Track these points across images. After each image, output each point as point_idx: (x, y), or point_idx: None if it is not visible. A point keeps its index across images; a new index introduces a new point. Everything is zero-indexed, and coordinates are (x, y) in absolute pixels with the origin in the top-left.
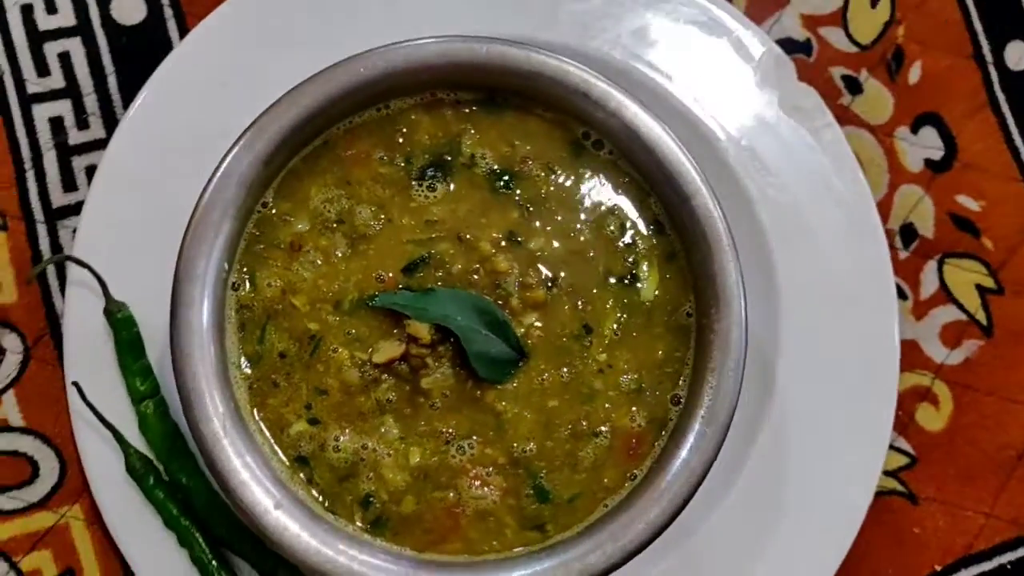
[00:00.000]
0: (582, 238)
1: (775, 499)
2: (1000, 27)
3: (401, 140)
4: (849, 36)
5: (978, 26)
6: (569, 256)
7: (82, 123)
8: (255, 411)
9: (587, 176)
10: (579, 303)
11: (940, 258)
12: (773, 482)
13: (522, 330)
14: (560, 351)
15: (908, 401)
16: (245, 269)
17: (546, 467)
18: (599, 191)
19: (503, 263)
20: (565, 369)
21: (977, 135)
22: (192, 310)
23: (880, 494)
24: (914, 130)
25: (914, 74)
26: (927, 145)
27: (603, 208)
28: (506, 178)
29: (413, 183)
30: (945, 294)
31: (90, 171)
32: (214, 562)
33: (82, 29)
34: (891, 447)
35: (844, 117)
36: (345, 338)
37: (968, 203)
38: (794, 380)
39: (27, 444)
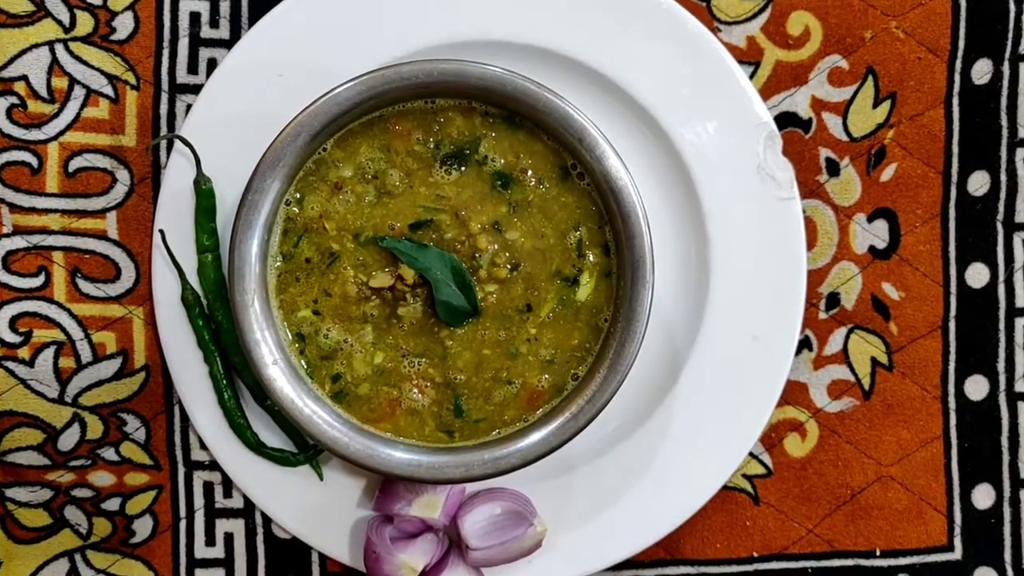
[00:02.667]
0: (547, 241)
1: (646, 463)
2: (973, 154)
3: (436, 128)
4: (845, 126)
5: (955, 148)
6: (534, 252)
7: (214, 23)
8: (277, 293)
9: (565, 196)
10: (529, 288)
11: (851, 327)
12: (649, 452)
13: (481, 295)
14: (504, 318)
15: (782, 428)
16: (298, 192)
17: (467, 394)
18: (571, 209)
19: (483, 242)
20: (503, 332)
21: (921, 238)
22: (254, 212)
23: (731, 488)
24: (870, 219)
25: (888, 172)
26: (876, 234)
27: (569, 223)
28: (505, 180)
29: (436, 164)
30: (844, 356)
31: (211, 63)
32: (224, 380)
33: None
34: (754, 456)
35: (816, 192)
36: (355, 262)
37: (891, 291)
38: (693, 382)
39: (116, 253)
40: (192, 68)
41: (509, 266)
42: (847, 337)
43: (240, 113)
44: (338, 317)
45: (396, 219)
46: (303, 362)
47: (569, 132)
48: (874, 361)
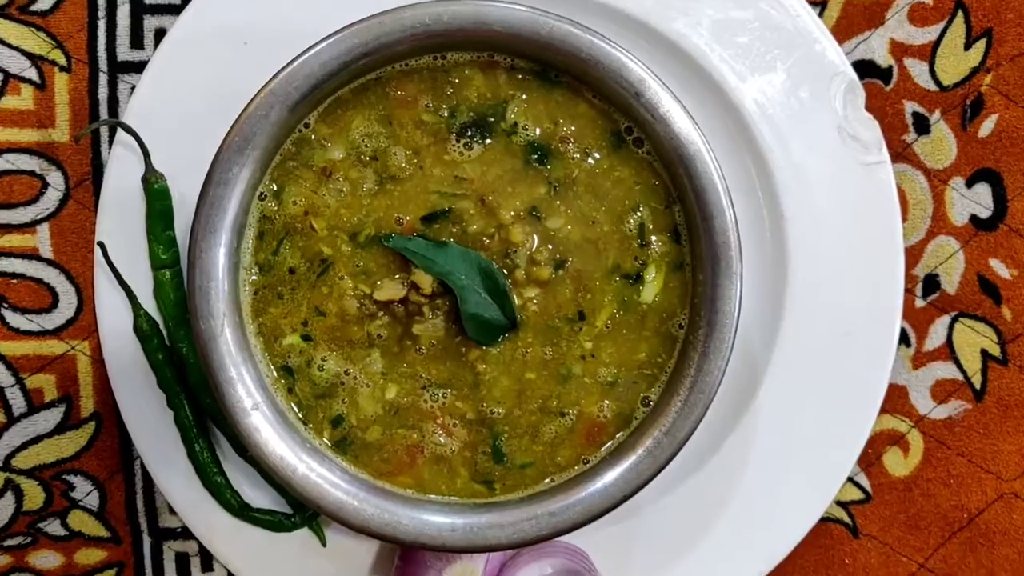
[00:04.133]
0: (600, 228)
1: (724, 498)
2: None
3: (450, 92)
4: (933, 73)
5: None
6: (583, 243)
7: None
8: (255, 316)
9: (620, 169)
10: (580, 290)
11: (955, 315)
12: (726, 484)
13: (520, 302)
14: (550, 330)
15: (880, 442)
16: (275, 183)
17: (508, 432)
18: (628, 186)
19: (518, 234)
20: (550, 348)
21: None
22: (218, 211)
23: (826, 519)
24: (969, 184)
25: (987, 127)
26: (977, 201)
27: (627, 203)
28: (541, 153)
29: (452, 136)
30: (948, 351)
31: (159, 34)
32: (195, 428)
33: None
34: (850, 480)
35: (903, 154)
36: (353, 269)
37: (1000, 269)
38: (775, 394)
39: (52, 276)
40: (136, 42)
41: (553, 263)
42: (951, 327)
43: (197, 93)
44: (335, 342)
45: (404, 211)
46: (293, 404)
47: (623, 86)
48: (985, 354)
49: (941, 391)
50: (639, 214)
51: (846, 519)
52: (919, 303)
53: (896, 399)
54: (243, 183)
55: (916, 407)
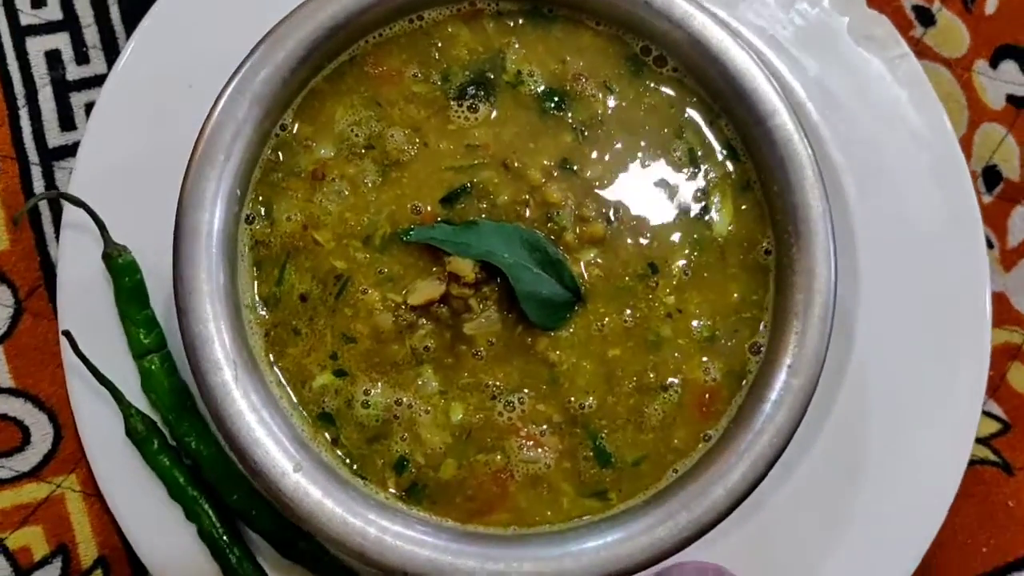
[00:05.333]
0: (645, 166)
1: (853, 470)
2: None
3: (437, 56)
4: None
5: None
6: (631, 186)
7: (81, 57)
8: (273, 361)
9: (649, 96)
10: (643, 239)
11: None
12: (851, 450)
13: (578, 269)
14: (622, 293)
15: (998, 361)
16: (261, 200)
17: (607, 426)
18: (663, 113)
19: (555, 194)
20: (628, 313)
21: None
22: (198, 241)
23: (970, 463)
24: (993, 64)
25: (991, 3)
26: (1009, 80)
27: (668, 132)
28: (557, 98)
29: (452, 103)
30: None
31: (90, 108)
32: (225, 537)
33: None
34: (982, 412)
35: (916, 51)
36: (376, 278)
37: None
38: (874, 336)
39: (17, 407)
40: (65, 123)
41: (604, 216)
42: None
43: (146, 149)
44: (376, 369)
45: (418, 198)
46: (342, 454)
47: (628, 1)
48: None
49: None
50: (684, 139)
51: (992, 457)
52: (986, 199)
53: (998, 308)
54: (223, 203)
55: (1020, 309)
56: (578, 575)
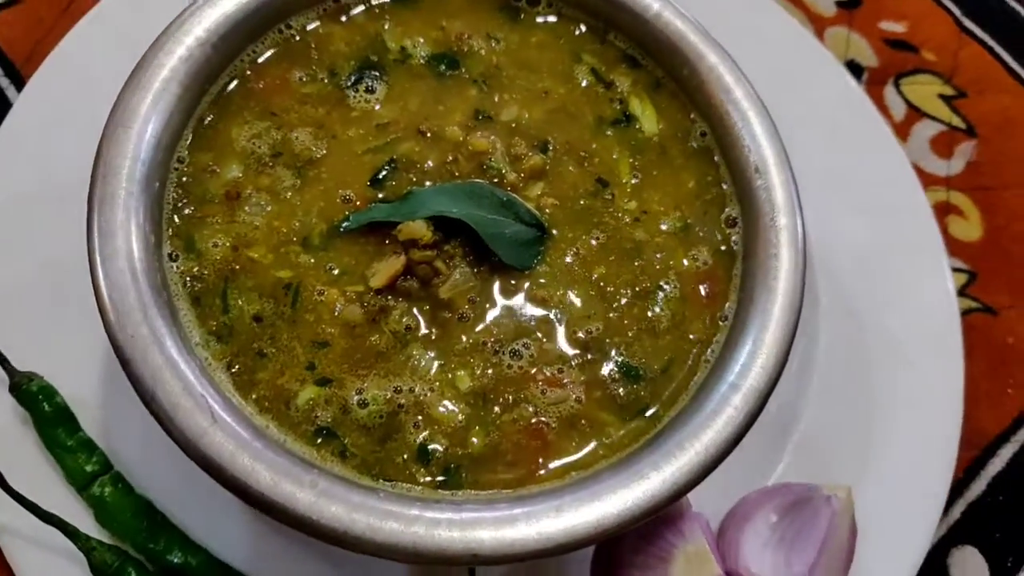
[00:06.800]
0: (558, 95)
1: (860, 362)
2: None
3: (316, 56)
4: None
5: None
6: (551, 116)
7: None
8: (245, 394)
9: (535, 35)
10: (583, 160)
11: (894, 80)
12: (847, 346)
13: (534, 205)
14: (583, 214)
15: (938, 220)
16: (179, 236)
17: (621, 342)
18: (554, 45)
19: (481, 142)
20: (598, 231)
21: None
22: (124, 293)
23: (962, 315)
24: None
25: None
26: None
27: (567, 60)
28: (447, 61)
29: (347, 92)
30: (915, 111)
31: None
32: None
33: None
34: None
35: None
36: (328, 276)
37: (893, 27)
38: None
39: None
40: None
41: (537, 149)
42: (899, 92)
43: (25, 261)
44: (360, 366)
45: (345, 187)
46: (355, 471)
47: None
48: (943, 98)
49: (941, 146)
50: (584, 62)
51: (975, 304)
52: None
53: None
54: (139, 245)
55: (935, 172)
56: (657, 497)
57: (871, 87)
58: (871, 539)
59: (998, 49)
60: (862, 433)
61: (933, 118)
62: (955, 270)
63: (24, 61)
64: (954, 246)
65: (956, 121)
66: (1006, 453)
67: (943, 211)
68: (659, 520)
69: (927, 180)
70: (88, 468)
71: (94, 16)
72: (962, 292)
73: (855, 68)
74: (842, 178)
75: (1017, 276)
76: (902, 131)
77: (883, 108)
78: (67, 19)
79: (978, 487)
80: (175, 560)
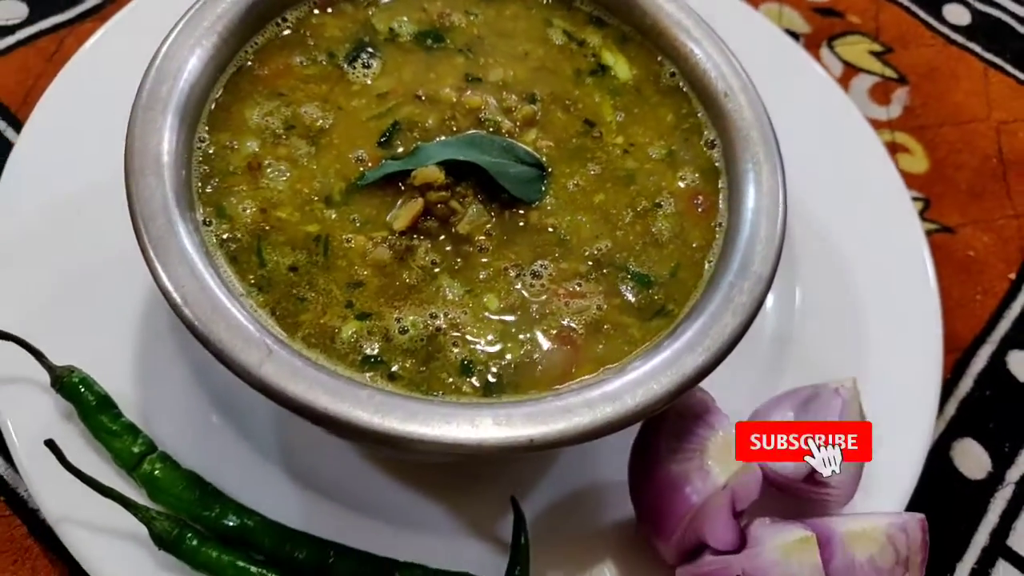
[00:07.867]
0: (535, 55)
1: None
2: None
3: (313, 43)
4: None
5: None
6: (534, 74)
7: None
8: (291, 333)
9: (508, 8)
10: (569, 107)
11: (828, 43)
12: (828, 271)
13: (531, 147)
14: (577, 152)
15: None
16: (211, 206)
17: (630, 255)
18: (526, 15)
19: (475, 99)
20: (592, 164)
21: None
22: (171, 254)
23: (927, 236)
24: None
25: None
26: None
27: (540, 26)
28: (433, 36)
29: (346, 69)
30: (850, 68)
31: None
32: None
33: None
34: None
35: None
36: (353, 227)
37: None
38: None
39: None
40: None
41: (527, 100)
42: (834, 52)
43: (52, 263)
44: (396, 299)
45: (357, 149)
46: (406, 390)
47: None
48: (873, 54)
49: (878, 95)
50: (555, 26)
51: (934, 226)
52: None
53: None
54: (178, 212)
55: (878, 118)
56: (688, 374)
57: (809, 50)
58: (878, 435)
59: (915, 8)
60: (852, 344)
61: (868, 71)
62: (914, 198)
63: (19, 106)
64: (907, 178)
65: (888, 72)
66: (984, 353)
67: (892, 150)
68: (690, 418)
69: (872, 125)
70: (135, 449)
71: (82, 56)
72: (922, 217)
73: (791, 36)
74: (805, 129)
75: (963, 199)
76: (843, 83)
77: (823, 67)
78: (53, 66)
79: (965, 385)
80: (234, 522)
